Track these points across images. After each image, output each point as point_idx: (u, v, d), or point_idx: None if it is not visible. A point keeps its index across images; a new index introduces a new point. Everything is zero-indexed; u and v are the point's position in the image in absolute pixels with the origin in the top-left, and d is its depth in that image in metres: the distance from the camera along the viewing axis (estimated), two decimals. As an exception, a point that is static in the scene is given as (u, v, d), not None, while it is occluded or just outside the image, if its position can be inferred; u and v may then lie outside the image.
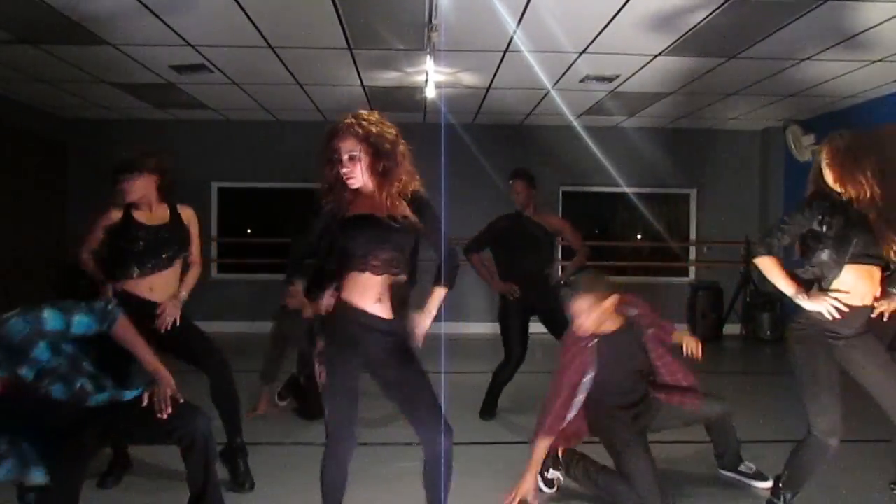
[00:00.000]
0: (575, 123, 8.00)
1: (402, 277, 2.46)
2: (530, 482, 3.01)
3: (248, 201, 8.78)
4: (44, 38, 4.98)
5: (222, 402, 3.34)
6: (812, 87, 6.27)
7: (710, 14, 4.34)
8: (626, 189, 8.17)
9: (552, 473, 3.29)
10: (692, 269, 8.79)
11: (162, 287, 3.33)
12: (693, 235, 8.77)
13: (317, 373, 2.40)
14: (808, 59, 5.31)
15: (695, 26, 4.58)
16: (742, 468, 3.48)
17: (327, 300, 2.39)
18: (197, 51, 5.28)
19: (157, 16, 4.45)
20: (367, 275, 2.37)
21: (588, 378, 3.03)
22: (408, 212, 2.38)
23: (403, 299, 2.53)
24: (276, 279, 4.06)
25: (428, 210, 2.45)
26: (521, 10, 4.30)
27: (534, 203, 4.65)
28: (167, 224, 3.39)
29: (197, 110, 7.61)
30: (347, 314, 2.37)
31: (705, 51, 5.15)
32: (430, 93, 5.57)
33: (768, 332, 7.99)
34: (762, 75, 5.85)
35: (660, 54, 5.27)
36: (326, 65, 5.73)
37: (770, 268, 2.82)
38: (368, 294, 2.38)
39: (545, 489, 3.28)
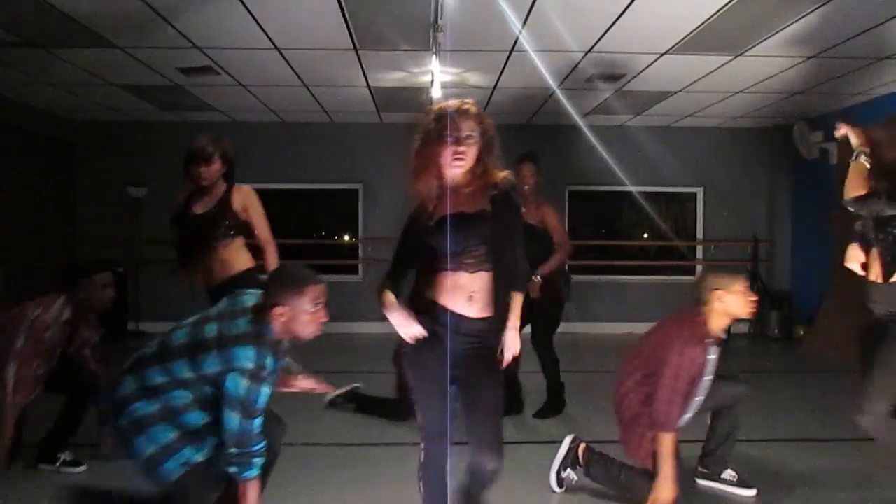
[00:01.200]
0: (581, 123, 7.98)
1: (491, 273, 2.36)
2: (668, 485, 2.85)
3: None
4: (52, 41, 5.02)
5: None
6: (819, 85, 6.25)
7: (717, 12, 4.32)
8: (633, 188, 8.14)
9: (567, 473, 3.27)
10: (699, 269, 8.77)
11: (219, 269, 3.47)
12: (700, 234, 8.74)
13: (407, 375, 2.40)
14: (814, 56, 5.29)
15: (701, 24, 4.57)
16: (725, 475, 3.37)
17: (412, 329, 2.28)
18: (204, 53, 5.31)
19: (164, 19, 4.47)
20: (460, 273, 2.30)
21: (707, 379, 3.02)
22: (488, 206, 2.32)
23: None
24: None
25: (514, 208, 2.40)
26: (527, 10, 4.31)
27: (539, 189, 4.58)
28: (212, 209, 3.49)
29: (204, 112, 7.64)
30: (437, 316, 2.31)
31: (711, 49, 5.13)
32: (436, 93, 5.57)
33: (776, 331, 7.97)
34: (768, 73, 5.83)
35: (666, 53, 5.25)
36: (332, 66, 5.75)
37: None
38: (459, 293, 2.30)
39: (557, 489, 3.28)
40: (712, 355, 3.01)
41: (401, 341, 2.33)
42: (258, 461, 2.30)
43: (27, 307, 3.35)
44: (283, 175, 8.33)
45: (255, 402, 2.24)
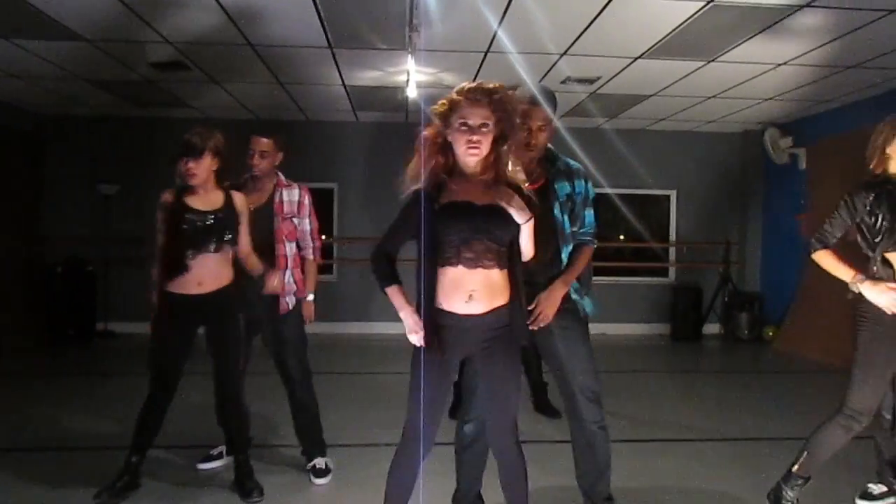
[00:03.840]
0: (557, 124, 8.00)
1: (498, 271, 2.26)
2: None
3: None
4: (17, 32, 4.90)
5: (231, 417, 3.31)
6: (789, 91, 6.36)
7: (689, 18, 4.38)
8: (608, 190, 8.18)
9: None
10: (672, 270, 8.87)
11: (211, 277, 3.12)
12: (673, 236, 8.85)
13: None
14: (784, 63, 5.38)
15: (674, 29, 4.62)
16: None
17: (416, 337, 2.24)
18: (175, 48, 5.23)
19: (133, 11, 4.40)
20: (459, 268, 2.20)
21: None
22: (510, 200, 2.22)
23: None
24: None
25: (531, 206, 2.28)
26: (503, 10, 4.31)
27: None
28: (219, 209, 3.15)
29: (176, 108, 7.53)
30: (438, 317, 2.22)
31: (684, 54, 5.19)
32: (412, 93, 5.56)
33: (746, 332, 8.10)
34: (740, 79, 5.92)
35: (640, 57, 5.30)
36: (307, 63, 5.70)
37: (825, 260, 2.81)
38: (458, 293, 2.21)
39: None
40: None
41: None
42: None
43: None
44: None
45: None
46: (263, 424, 4.09)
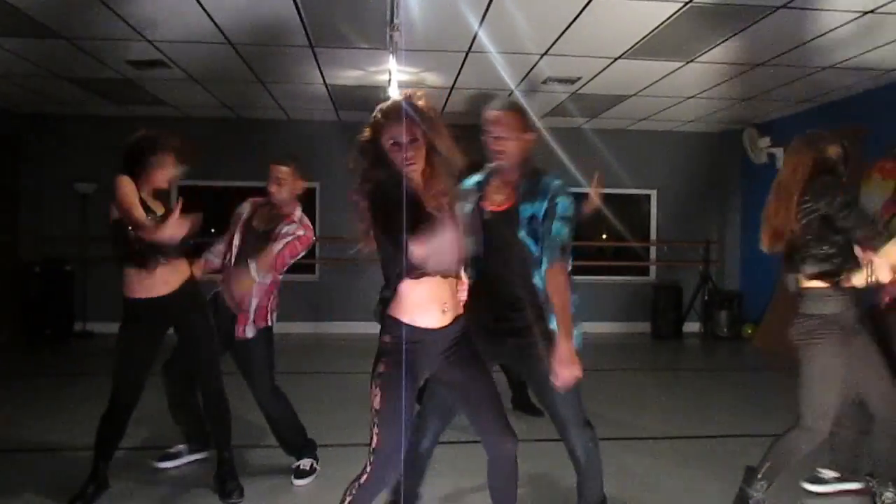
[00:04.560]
0: (538, 124, 8.06)
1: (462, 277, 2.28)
2: None
3: (210, 200, 8.63)
4: (-7, 30, 4.83)
5: (213, 414, 3.29)
6: (767, 92, 6.44)
7: (667, 19, 4.42)
8: (589, 190, 8.25)
9: None
10: (653, 269, 8.94)
11: (175, 278, 3.13)
12: (653, 235, 8.92)
13: (372, 395, 2.21)
14: (761, 64, 5.45)
15: (653, 30, 4.66)
16: None
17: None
18: (155, 46, 5.18)
19: (111, 9, 4.35)
20: (426, 280, 2.15)
21: None
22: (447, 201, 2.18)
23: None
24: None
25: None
26: (483, 10, 4.32)
27: None
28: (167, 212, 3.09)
29: (155, 107, 7.45)
30: (409, 335, 2.15)
31: (663, 54, 5.24)
32: (394, 92, 5.55)
33: (725, 330, 8.19)
34: (718, 79, 5.98)
35: (620, 57, 5.34)
36: (288, 62, 5.67)
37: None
38: (431, 306, 2.18)
39: None
40: None
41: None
42: None
43: None
44: (238, 172, 8.16)
45: None
46: (248, 424, 4.06)
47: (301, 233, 3.38)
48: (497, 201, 2.56)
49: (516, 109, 2.64)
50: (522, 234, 2.50)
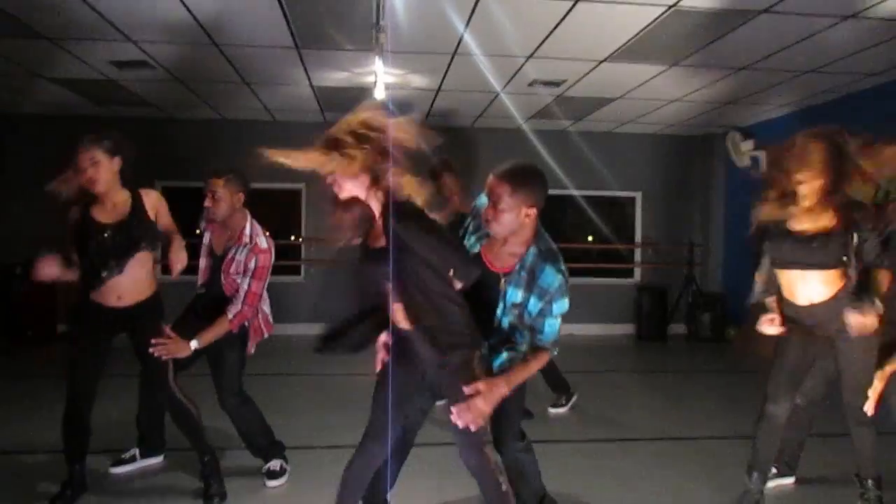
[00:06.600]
0: (524, 126, 8.09)
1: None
2: None
3: (196, 202, 8.55)
4: (-27, 29, 4.77)
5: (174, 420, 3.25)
6: (750, 95, 6.50)
7: (651, 23, 4.45)
8: (574, 192, 8.32)
9: None
10: (637, 271, 9.00)
11: (132, 292, 3.04)
12: (638, 238, 8.98)
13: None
14: (744, 68, 5.50)
15: (638, 33, 4.69)
16: None
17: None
18: (138, 46, 5.14)
19: (93, 8, 4.31)
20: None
21: None
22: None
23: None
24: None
25: (413, 231, 2.24)
26: (469, 12, 4.33)
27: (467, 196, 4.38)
28: (127, 219, 3.00)
29: (139, 107, 7.39)
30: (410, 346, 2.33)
31: (647, 58, 5.28)
32: (380, 94, 5.54)
33: (709, 332, 8.25)
34: (702, 83, 6.03)
35: (605, 60, 5.37)
36: (273, 63, 5.65)
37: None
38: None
39: None
40: None
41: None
42: None
43: None
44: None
45: None
46: (220, 427, 4.02)
47: (252, 264, 3.22)
48: (492, 258, 2.46)
49: (521, 181, 2.34)
50: (500, 309, 2.38)
